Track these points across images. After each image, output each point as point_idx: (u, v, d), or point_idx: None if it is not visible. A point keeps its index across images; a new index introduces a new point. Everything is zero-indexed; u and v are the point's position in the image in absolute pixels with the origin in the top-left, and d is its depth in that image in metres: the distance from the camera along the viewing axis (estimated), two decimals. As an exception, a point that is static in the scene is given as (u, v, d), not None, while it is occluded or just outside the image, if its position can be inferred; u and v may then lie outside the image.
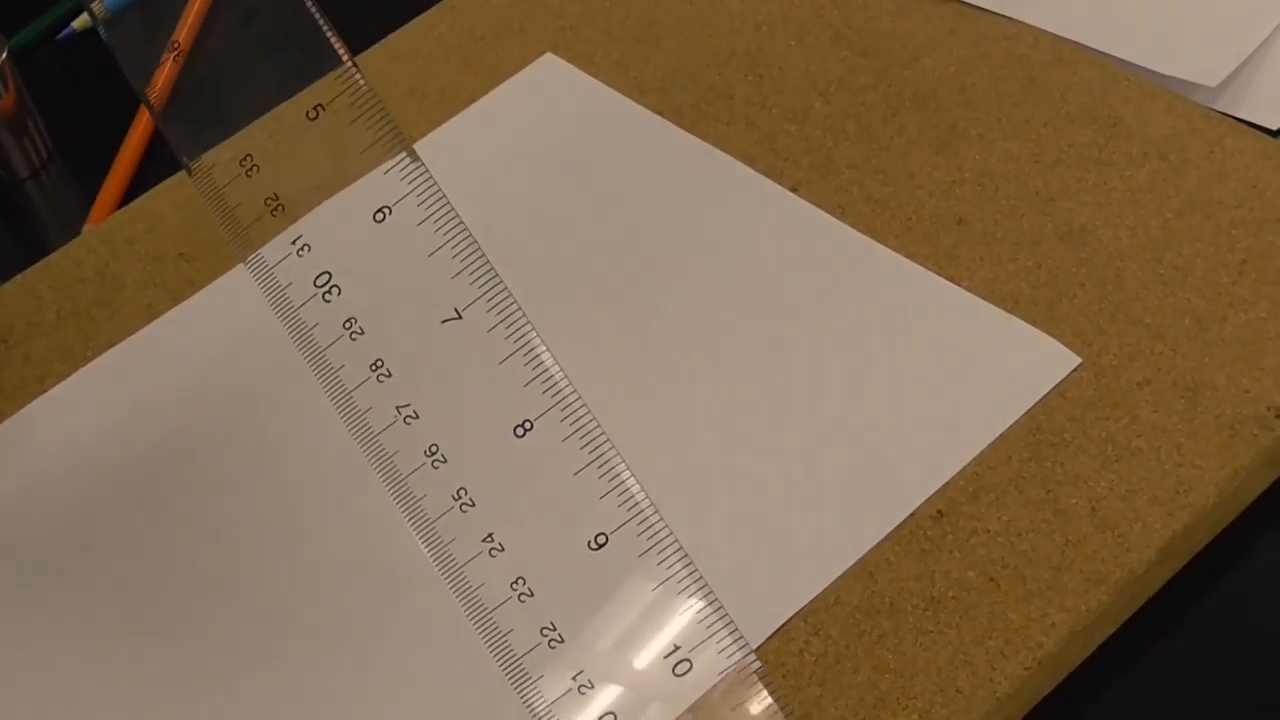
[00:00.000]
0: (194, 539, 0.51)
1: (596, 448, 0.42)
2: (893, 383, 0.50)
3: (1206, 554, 0.47)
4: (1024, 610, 0.45)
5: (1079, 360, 0.50)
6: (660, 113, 0.59)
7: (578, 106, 0.61)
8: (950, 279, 0.53)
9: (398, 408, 0.43)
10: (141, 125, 0.66)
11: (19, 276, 0.60)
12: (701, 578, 0.41)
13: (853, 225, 0.55)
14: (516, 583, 0.42)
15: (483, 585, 0.42)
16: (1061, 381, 0.49)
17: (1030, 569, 0.46)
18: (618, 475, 0.42)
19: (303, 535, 0.50)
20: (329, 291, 0.47)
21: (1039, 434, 0.48)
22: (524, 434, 0.42)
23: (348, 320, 0.46)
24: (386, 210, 0.48)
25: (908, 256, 0.53)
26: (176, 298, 0.58)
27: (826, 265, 0.54)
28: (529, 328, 0.43)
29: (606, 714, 0.41)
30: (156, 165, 0.65)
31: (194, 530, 0.51)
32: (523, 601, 0.42)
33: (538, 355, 0.43)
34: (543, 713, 0.41)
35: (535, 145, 0.60)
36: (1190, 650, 0.46)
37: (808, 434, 0.49)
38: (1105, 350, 0.50)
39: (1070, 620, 0.45)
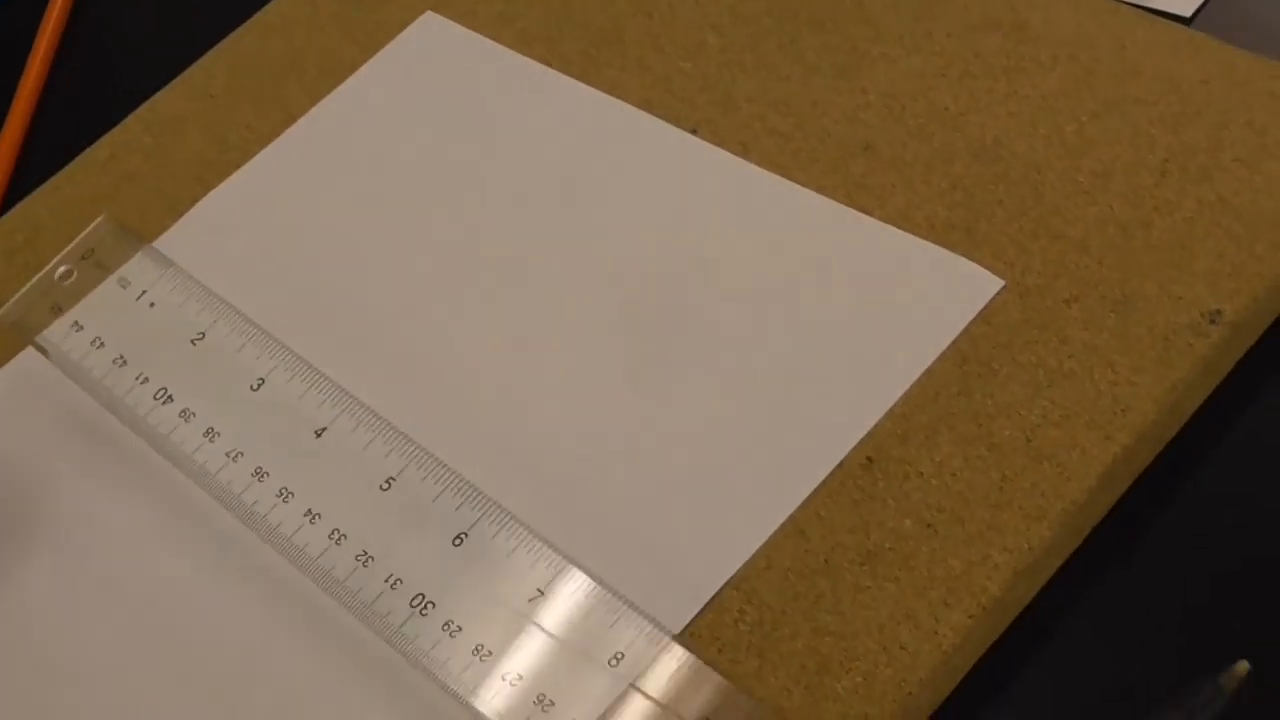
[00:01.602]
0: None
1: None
2: (809, 325, 0.48)
3: (1149, 476, 0.45)
4: (964, 555, 0.43)
5: (1002, 283, 0.47)
6: (549, 63, 0.57)
7: (463, 64, 0.58)
8: (862, 209, 0.50)
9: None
10: (13, 128, 0.63)
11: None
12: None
13: (757, 163, 0.52)
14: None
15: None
16: (986, 307, 0.47)
17: (968, 510, 0.43)
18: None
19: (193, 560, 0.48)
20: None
21: (966, 365, 0.46)
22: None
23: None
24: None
25: (816, 190, 0.51)
26: (62, 310, 0.55)
27: (732, 207, 0.51)
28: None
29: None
30: (34, 171, 0.62)
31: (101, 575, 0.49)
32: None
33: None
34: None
35: (423, 108, 0.57)
36: (1141, 578, 0.44)
37: (723, 388, 0.47)
38: (1029, 269, 0.48)
39: (1014, 560, 0.42)
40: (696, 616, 0.43)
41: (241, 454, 0.46)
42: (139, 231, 0.55)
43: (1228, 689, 0.34)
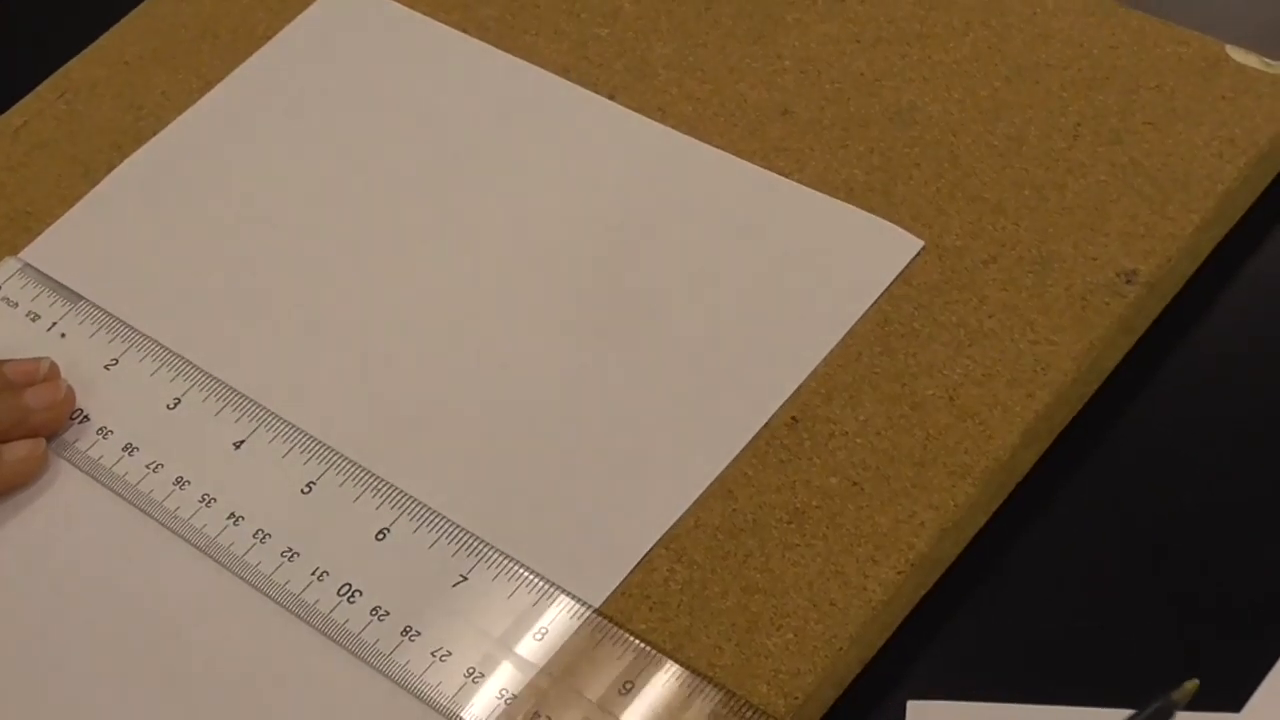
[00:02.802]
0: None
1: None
2: (732, 289, 0.48)
3: (1070, 432, 0.46)
4: (891, 512, 0.43)
5: (921, 244, 0.48)
6: (464, 30, 0.57)
7: (378, 32, 0.58)
8: (781, 173, 0.51)
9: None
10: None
11: None
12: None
13: (675, 127, 0.52)
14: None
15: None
16: (906, 268, 0.48)
17: (893, 468, 0.44)
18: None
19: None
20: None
21: (888, 325, 0.47)
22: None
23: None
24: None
25: (735, 154, 0.51)
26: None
27: (652, 172, 0.52)
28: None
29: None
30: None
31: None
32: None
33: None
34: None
35: (339, 76, 0.57)
36: (1063, 533, 0.45)
37: (648, 352, 0.48)
38: (947, 231, 0.48)
39: (940, 517, 0.43)
40: (627, 577, 0.43)
41: (162, 465, 0.48)
42: (55, 198, 0.55)
43: (1180, 704, 0.36)
